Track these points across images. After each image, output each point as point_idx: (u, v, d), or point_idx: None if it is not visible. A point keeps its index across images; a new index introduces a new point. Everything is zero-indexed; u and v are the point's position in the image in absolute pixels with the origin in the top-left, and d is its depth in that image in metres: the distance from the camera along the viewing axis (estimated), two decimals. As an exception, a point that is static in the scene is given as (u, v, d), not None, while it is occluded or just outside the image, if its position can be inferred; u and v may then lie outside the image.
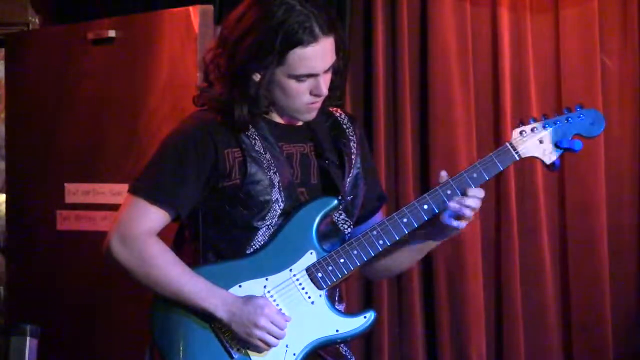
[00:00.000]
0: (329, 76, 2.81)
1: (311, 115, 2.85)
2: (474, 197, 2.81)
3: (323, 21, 2.75)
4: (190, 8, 4.38)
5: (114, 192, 4.57)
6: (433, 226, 2.86)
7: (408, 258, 2.97)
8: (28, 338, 4.25)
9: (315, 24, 2.74)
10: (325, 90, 2.79)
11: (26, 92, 4.97)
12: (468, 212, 2.81)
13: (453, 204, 2.81)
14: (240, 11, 2.81)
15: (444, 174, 2.84)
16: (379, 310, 4.48)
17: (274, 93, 2.80)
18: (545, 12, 4.57)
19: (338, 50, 2.81)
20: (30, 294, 4.92)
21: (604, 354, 4.50)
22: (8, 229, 5.17)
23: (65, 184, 4.78)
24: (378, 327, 4.44)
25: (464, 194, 2.81)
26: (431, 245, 2.94)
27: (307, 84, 2.78)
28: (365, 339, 4.55)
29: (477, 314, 4.56)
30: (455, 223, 2.82)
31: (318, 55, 2.76)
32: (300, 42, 2.73)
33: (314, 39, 2.74)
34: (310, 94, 2.79)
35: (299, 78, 2.77)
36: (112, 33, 4.63)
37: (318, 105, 2.83)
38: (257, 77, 2.78)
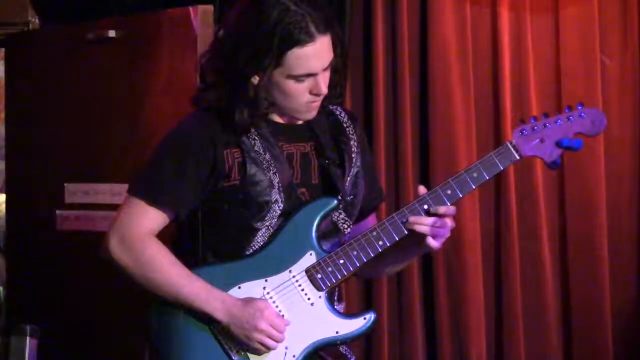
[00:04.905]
0: (327, 74, 2.81)
1: (311, 115, 2.85)
2: (437, 216, 2.80)
3: (319, 20, 2.74)
4: (190, 8, 4.38)
5: (114, 192, 4.57)
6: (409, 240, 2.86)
7: (403, 260, 2.98)
8: (28, 338, 4.25)
9: (311, 23, 2.73)
10: (324, 89, 2.79)
11: (26, 92, 4.97)
12: (427, 230, 2.79)
13: (412, 222, 2.79)
14: (236, 13, 2.81)
15: (422, 190, 2.83)
16: (379, 310, 4.48)
17: (273, 94, 2.80)
18: (545, 11, 4.56)
19: (335, 47, 2.80)
20: (30, 294, 4.92)
21: (604, 354, 4.50)
22: (8, 229, 5.18)
23: (65, 184, 4.78)
24: (378, 327, 4.44)
25: (427, 214, 2.80)
26: (408, 259, 2.97)
27: (307, 84, 2.78)
28: (365, 339, 4.55)
29: (477, 314, 4.55)
30: (429, 242, 2.81)
31: (316, 54, 2.75)
32: (297, 43, 2.73)
33: (310, 38, 2.74)
34: (310, 93, 2.79)
35: (297, 78, 2.77)
36: (112, 33, 4.63)
37: (318, 104, 2.83)
38: (255, 79, 2.78)
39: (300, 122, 2.90)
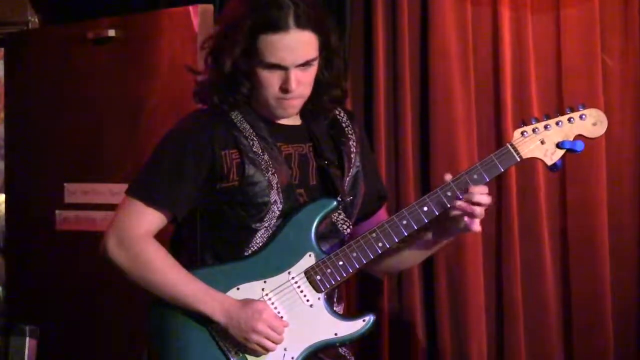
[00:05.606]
0: (305, 75, 2.77)
1: (285, 113, 2.82)
2: (479, 194, 2.79)
3: (303, 14, 2.72)
4: (190, 8, 4.38)
5: (114, 192, 4.57)
6: (440, 225, 2.85)
7: (414, 257, 2.97)
8: (27, 338, 4.26)
9: (291, 14, 2.71)
10: (293, 86, 2.75)
11: (26, 92, 4.97)
12: (478, 210, 2.79)
13: (461, 204, 2.79)
14: (230, 4, 2.82)
15: (448, 177, 2.82)
16: (379, 311, 4.48)
17: (251, 81, 2.78)
18: (546, 11, 4.55)
19: (321, 49, 2.78)
20: (30, 294, 4.92)
21: (605, 353, 4.49)
22: (8, 229, 5.18)
23: (65, 184, 4.78)
24: (378, 327, 4.43)
25: (467, 192, 2.79)
26: (440, 244, 2.92)
27: (277, 77, 2.75)
28: (365, 339, 4.53)
29: (477, 314, 4.54)
30: (466, 223, 2.80)
31: (287, 46, 2.72)
32: (269, 29, 2.70)
33: (284, 28, 2.71)
34: (280, 88, 2.77)
35: (267, 66, 2.74)
36: (112, 33, 4.63)
37: (291, 103, 2.79)
38: (228, 58, 2.76)
39: (298, 123, 2.89)
